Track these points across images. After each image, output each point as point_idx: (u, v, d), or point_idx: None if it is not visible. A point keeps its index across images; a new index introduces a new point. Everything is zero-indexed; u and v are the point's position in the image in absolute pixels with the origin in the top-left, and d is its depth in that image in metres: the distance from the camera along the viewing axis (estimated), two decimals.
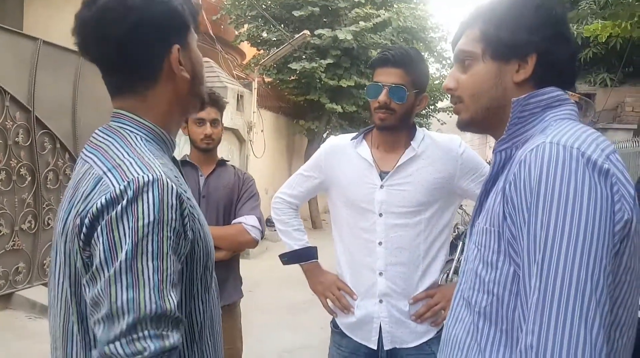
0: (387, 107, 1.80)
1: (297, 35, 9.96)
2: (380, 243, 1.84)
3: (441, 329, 1.90)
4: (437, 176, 1.84)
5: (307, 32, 9.79)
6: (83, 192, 0.95)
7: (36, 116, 5.05)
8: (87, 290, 0.92)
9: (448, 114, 15.92)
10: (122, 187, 0.90)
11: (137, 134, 1.03)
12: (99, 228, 0.90)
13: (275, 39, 11.30)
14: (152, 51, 1.02)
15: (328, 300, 2.00)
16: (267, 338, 4.60)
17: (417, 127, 1.91)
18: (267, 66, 10.78)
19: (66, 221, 0.97)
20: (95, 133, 1.06)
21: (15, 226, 4.91)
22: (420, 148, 1.85)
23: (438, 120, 16.65)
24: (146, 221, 0.89)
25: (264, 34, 11.70)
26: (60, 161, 5.35)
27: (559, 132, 0.94)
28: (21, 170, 4.94)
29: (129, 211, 0.89)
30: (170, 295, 0.91)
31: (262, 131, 10.14)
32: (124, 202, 0.89)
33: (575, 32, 5.43)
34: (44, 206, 5.16)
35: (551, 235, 0.86)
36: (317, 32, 10.43)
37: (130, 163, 0.95)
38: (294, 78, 11.28)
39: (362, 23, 10.49)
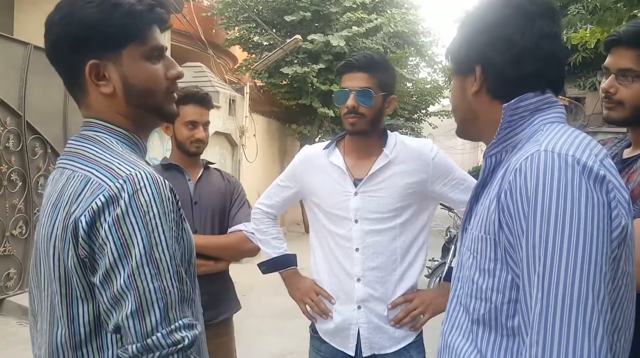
0: (356, 111, 1.83)
1: (289, 40, 9.97)
2: (357, 249, 1.85)
3: (420, 334, 1.92)
4: (410, 181, 1.86)
5: (299, 36, 9.81)
6: (71, 194, 0.96)
7: (27, 121, 5.04)
8: (102, 291, 0.92)
9: (439, 118, 15.97)
10: (118, 185, 0.92)
11: (112, 138, 1.05)
12: (105, 227, 0.91)
13: (267, 43, 11.30)
14: (70, 63, 1.04)
15: (307, 306, 1.99)
16: (258, 343, 4.59)
17: (388, 132, 1.94)
18: (259, 70, 10.79)
19: (54, 224, 0.97)
20: (70, 142, 1.07)
21: (6, 231, 4.89)
22: (392, 154, 1.87)
23: (430, 124, 16.69)
24: (152, 214, 0.92)
25: (255, 38, 11.70)
26: (52, 166, 5.33)
27: (552, 139, 0.94)
28: (12, 175, 4.92)
29: (133, 206, 0.91)
30: (183, 278, 0.97)
31: (254, 135, 10.14)
32: (126, 198, 0.91)
33: (565, 38, 5.48)
34: (35, 211, 5.13)
35: (550, 245, 0.86)
36: (309, 37, 10.45)
37: (119, 162, 0.97)
38: (285, 82, 11.29)
39: (354, 28, 10.52)
